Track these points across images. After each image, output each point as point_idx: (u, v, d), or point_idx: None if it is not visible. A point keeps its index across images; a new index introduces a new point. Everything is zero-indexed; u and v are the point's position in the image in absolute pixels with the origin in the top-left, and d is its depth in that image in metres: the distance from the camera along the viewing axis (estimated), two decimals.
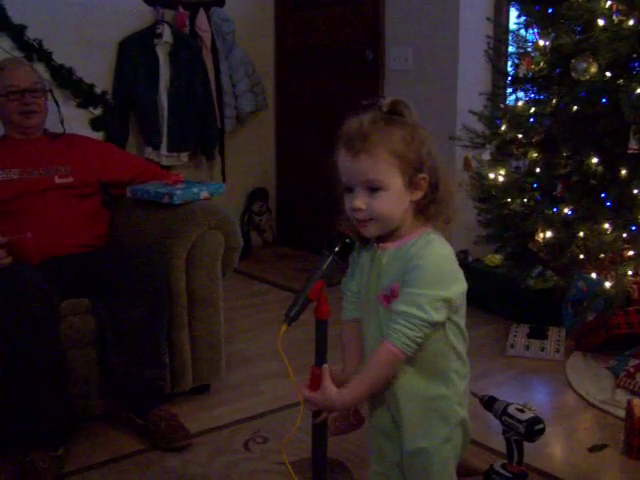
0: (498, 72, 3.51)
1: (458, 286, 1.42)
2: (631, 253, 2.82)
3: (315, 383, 1.48)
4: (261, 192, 5.01)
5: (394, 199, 1.39)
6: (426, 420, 1.49)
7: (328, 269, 1.43)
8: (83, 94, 3.95)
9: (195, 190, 2.77)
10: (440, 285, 1.38)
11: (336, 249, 1.43)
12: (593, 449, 2.41)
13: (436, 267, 1.39)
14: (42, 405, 2.26)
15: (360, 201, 1.40)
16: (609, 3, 2.77)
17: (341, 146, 1.42)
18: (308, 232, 4.89)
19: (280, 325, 1.40)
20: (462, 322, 1.47)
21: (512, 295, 3.46)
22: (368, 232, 1.44)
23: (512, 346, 3.18)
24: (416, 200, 1.42)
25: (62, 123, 2.90)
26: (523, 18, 3.17)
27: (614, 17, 2.75)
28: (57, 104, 2.93)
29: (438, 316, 1.38)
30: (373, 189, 1.39)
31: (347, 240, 1.43)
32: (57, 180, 2.72)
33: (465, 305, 1.47)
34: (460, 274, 1.43)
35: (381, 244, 1.46)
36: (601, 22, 2.77)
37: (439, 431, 1.49)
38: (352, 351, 1.58)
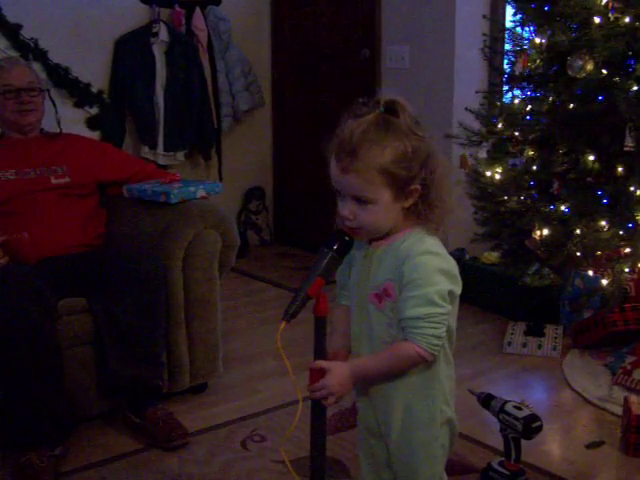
0: (494, 70, 3.51)
1: (458, 279, 1.44)
2: (628, 250, 2.82)
3: (315, 380, 1.48)
4: (258, 191, 5.01)
5: (382, 211, 1.40)
6: (413, 420, 1.49)
7: (327, 267, 1.43)
8: (79, 93, 3.95)
9: (192, 189, 2.77)
10: (444, 279, 1.39)
11: (335, 247, 1.43)
12: (590, 446, 2.41)
13: (436, 263, 1.40)
14: (39, 404, 2.25)
15: (348, 211, 1.41)
16: (605, 1, 2.76)
17: (333, 152, 1.41)
18: (305, 230, 4.89)
19: (279, 323, 1.40)
20: (453, 323, 1.47)
21: (509, 293, 3.47)
22: (357, 237, 1.45)
23: (509, 344, 3.19)
24: (408, 206, 1.42)
25: (59, 123, 2.90)
26: (519, 16, 3.17)
27: (610, 15, 2.75)
28: (54, 104, 2.93)
29: (449, 307, 1.40)
30: (361, 201, 1.39)
31: (346, 238, 1.43)
32: (53, 181, 2.72)
33: (457, 306, 1.47)
34: (455, 270, 1.44)
35: (373, 242, 1.47)
36: (597, 20, 2.76)
37: (426, 431, 1.50)
38: (338, 332, 1.58)
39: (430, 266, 1.39)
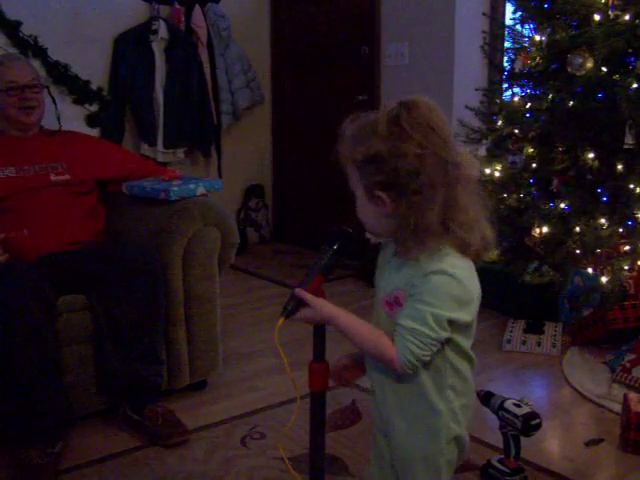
0: (494, 67, 3.51)
1: (469, 308, 1.36)
2: (627, 248, 2.83)
3: (314, 379, 1.48)
4: (257, 188, 5.02)
5: (362, 209, 1.38)
6: (415, 431, 1.46)
7: (327, 265, 1.43)
8: (79, 90, 3.95)
9: (191, 186, 2.76)
10: (449, 304, 1.32)
11: (336, 245, 1.43)
12: (589, 443, 2.41)
13: (447, 285, 1.32)
14: (39, 402, 2.25)
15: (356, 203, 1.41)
16: None
17: None
18: (304, 228, 4.89)
19: (277, 319, 1.40)
20: (466, 343, 1.41)
21: (509, 290, 3.46)
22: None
23: (509, 341, 3.19)
24: (387, 215, 1.34)
25: (59, 120, 2.89)
26: (519, 13, 3.17)
27: (610, 12, 2.75)
28: (54, 101, 2.93)
29: (445, 334, 1.34)
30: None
31: (347, 237, 1.43)
32: (53, 177, 2.71)
33: (474, 327, 1.41)
34: (471, 298, 1.36)
35: (398, 249, 1.42)
36: (597, 17, 2.77)
37: (429, 444, 1.46)
38: None
39: (439, 287, 1.32)
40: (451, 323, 1.34)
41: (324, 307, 1.40)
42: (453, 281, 1.33)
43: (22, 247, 2.50)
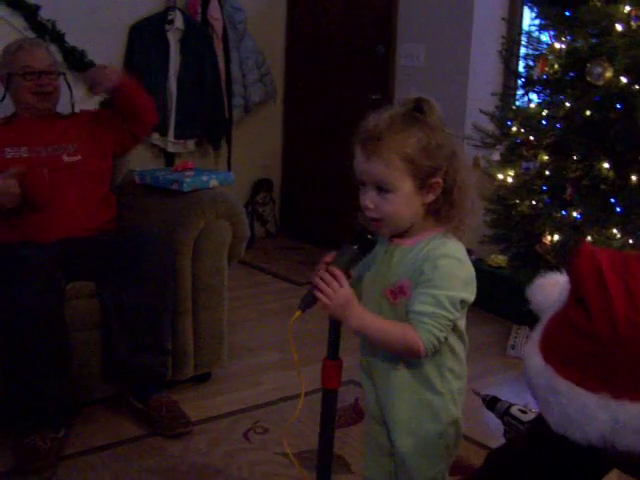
0: (511, 73, 3.50)
1: (473, 287, 1.44)
2: None
3: (327, 376, 1.48)
4: (266, 183, 5.01)
5: (402, 202, 1.40)
6: (417, 415, 1.49)
7: (349, 262, 1.44)
8: None
9: (204, 178, 2.76)
10: (459, 285, 1.40)
11: (358, 244, 1.44)
12: None
13: (454, 268, 1.40)
14: (45, 387, 2.25)
15: (369, 200, 1.42)
16: (628, 8, 2.75)
17: (357, 142, 1.42)
18: (311, 224, 4.88)
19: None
20: (461, 322, 1.48)
21: (514, 296, 3.44)
22: (380, 231, 1.45)
23: (513, 347, 3.19)
24: (429, 202, 1.42)
25: (73, 107, 2.89)
26: (538, 20, 3.15)
27: (632, 23, 2.73)
28: (70, 88, 2.91)
29: (458, 314, 1.42)
30: (383, 189, 1.40)
31: (369, 237, 1.44)
32: (66, 159, 2.70)
33: (465, 310, 1.48)
34: (472, 277, 1.44)
35: (394, 239, 1.48)
36: (619, 27, 2.75)
37: (430, 427, 1.49)
38: None
39: (448, 270, 1.40)
40: (464, 302, 1.42)
41: (354, 303, 1.41)
42: (457, 264, 1.41)
43: (38, 185, 2.49)
